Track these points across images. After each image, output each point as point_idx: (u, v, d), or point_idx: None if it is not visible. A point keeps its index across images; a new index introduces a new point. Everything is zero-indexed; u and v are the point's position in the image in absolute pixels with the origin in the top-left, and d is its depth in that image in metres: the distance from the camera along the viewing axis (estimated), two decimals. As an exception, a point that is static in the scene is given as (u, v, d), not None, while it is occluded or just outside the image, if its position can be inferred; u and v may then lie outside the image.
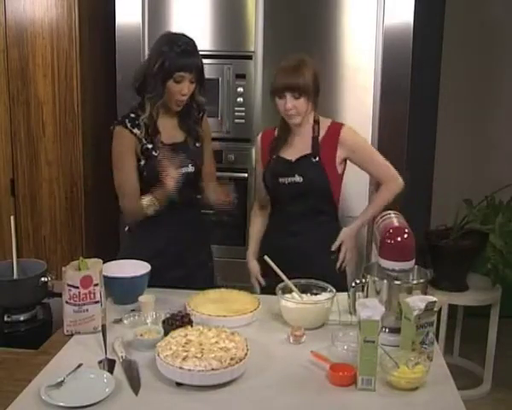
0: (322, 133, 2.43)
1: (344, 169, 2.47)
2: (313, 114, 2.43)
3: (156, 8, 3.07)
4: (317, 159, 2.39)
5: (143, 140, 2.38)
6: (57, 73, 3.05)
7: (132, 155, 2.38)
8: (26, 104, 3.09)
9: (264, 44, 3.02)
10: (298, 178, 2.40)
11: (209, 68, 3.07)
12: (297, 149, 2.44)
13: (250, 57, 3.05)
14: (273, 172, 2.46)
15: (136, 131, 2.37)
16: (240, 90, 3.09)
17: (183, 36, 2.40)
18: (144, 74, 2.36)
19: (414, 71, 2.94)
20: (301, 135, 2.44)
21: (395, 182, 2.44)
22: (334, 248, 2.45)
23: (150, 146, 2.38)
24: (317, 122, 2.43)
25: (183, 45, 2.33)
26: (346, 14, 2.95)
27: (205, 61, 3.02)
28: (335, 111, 3.00)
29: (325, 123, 2.45)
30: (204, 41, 3.07)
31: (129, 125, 2.38)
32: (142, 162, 2.39)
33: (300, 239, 2.42)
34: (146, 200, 2.37)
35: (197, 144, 2.50)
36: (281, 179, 2.43)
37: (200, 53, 2.83)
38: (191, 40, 2.39)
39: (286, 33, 3.01)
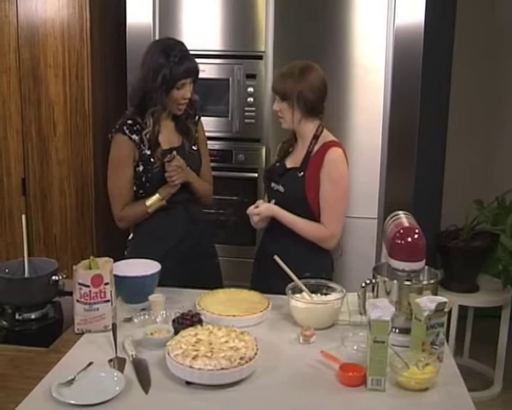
0: (316, 149, 2.38)
1: None
2: (315, 128, 2.37)
3: (167, 8, 3.08)
4: (302, 174, 2.35)
5: (142, 146, 2.39)
6: (68, 72, 3.06)
7: (130, 164, 2.40)
8: (38, 104, 3.11)
9: (274, 44, 3.01)
10: (281, 188, 2.40)
11: (219, 68, 3.08)
12: (294, 159, 2.43)
13: (260, 57, 3.05)
14: (269, 174, 2.50)
15: (134, 137, 2.38)
16: (250, 90, 3.08)
17: (174, 41, 2.42)
18: (143, 90, 2.36)
19: (425, 71, 2.93)
20: (300, 147, 2.42)
21: (328, 237, 2.37)
22: (249, 210, 2.38)
23: (149, 152, 2.40)
24: (316, 137, 2.38)
25: (178, 53, 2.34)
26: (356, 13, 2.94)
27: (215, 60, 3.06)
28: (346, 111, 3.00)
29: (325, 139, 2.39)
30: (214, 41, 3.08)
31: (127, 131, 2.39)
32: (141, 168, 2.40)
33: (279, 247, 2.31)
34: (152, 199, 2.40)
35: (194, 147, 2.52)
36: (272, 184, 2.45)
37: (211, 53, 2.83)
38: (182, 43, 2.40)
39: (296, 33, 3.01)
